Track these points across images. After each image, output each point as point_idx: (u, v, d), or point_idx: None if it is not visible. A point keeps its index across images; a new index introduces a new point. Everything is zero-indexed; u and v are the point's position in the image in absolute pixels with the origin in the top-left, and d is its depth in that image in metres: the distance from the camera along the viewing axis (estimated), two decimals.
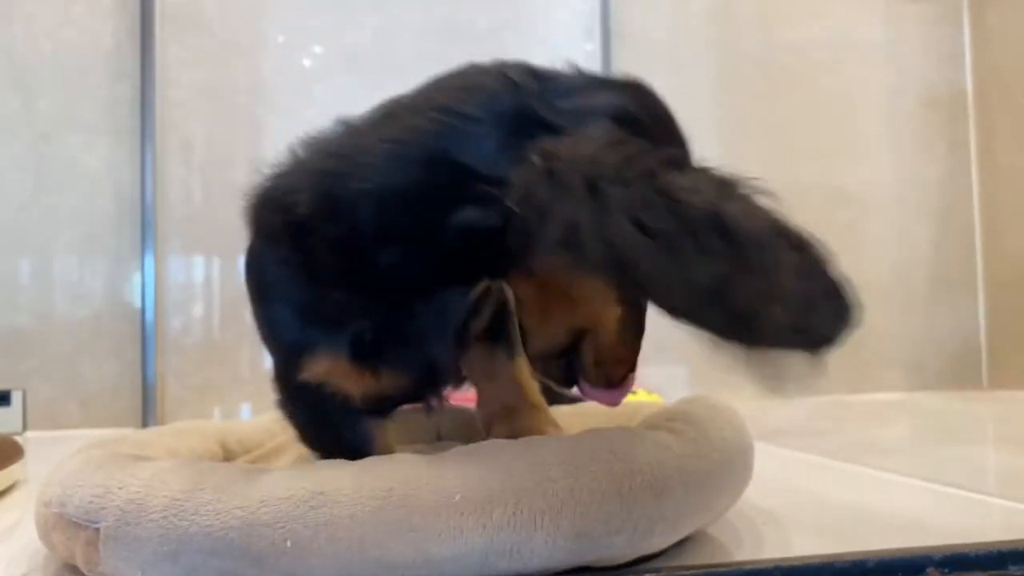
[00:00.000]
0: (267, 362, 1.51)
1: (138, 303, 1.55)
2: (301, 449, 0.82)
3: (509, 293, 0.57)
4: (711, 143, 1.78)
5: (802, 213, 1.62)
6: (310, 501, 0.44)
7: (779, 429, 1.21)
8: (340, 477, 0.47)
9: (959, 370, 1.88)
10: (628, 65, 1.77)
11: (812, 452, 1.04)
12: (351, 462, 0.49)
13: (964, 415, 1.56)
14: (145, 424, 1.53)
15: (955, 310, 1.90)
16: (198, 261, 1.60)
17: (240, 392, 1.58)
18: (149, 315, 1.55)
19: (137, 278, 1.56)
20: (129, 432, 0.75)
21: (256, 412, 1.58)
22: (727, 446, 0.55)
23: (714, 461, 0.53)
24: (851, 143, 1.88)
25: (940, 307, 1.89)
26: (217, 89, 1.61)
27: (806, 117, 1.86)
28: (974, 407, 1.69)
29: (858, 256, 1.86)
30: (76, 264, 1.55)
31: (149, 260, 1.55)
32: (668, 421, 0.56)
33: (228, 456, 0.83)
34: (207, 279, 1.60)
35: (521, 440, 0.51)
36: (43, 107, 1.54)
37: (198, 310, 1.59)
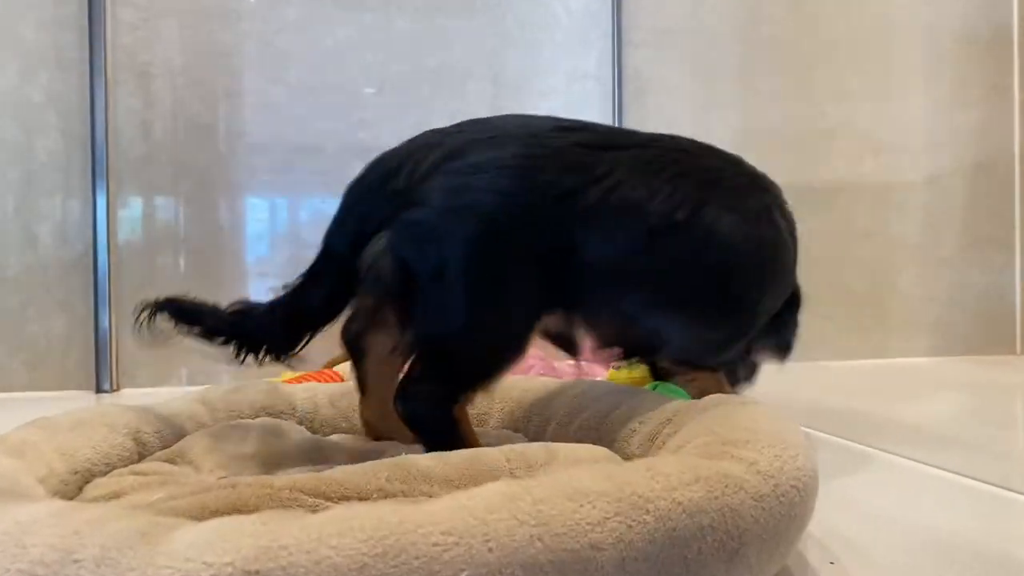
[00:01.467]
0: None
1: (89, 251, 1.38)
2: (218, 455, 0.67)
3: None
4: (730, 83, 1.61)
5: (825, 160, 1.45)
6: None
7: (811, 409, 1.06)
8: (284, 538, 0.32)
9: (990, 334, 1.74)
10: None
11: (853, 438, 0.90)
12: (290, 521, 0.34)
13: (997, 387, 1.42)
14: (99, 387, 1.38)
15: (988, 269, 1.75)
16: (161, 204, 1.43)
17: (212, 350, 1.43)
18: (102, 264, 1.39)
19: (88, 223, 1.39)
20: (9, 433, 0.59)
21: (231, 374, 1.43)
22: (804, 478, 0.40)
23: (793, 503, 0.38)
24: (881, 84, 1.70)
25: (972, 266, 1.74)
26: (177, 8, 1.42)
27: (833, 55, 1.69)
28: (1007, 375, 1.55)
29: (884, 208, 1.72)
30: (17, 207, 1.37)
31: (101, 202, 1.38)
32: (727, 446, 0.41)
33: (143, 453, 0.68)
34: (170, 224, 1.44)
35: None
36: None
37: (160, 259, 1.43)
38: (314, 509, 0.49)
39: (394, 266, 0.66)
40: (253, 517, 0.33)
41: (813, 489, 0.41)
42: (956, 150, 1.73)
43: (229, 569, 0.30)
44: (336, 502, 0.50)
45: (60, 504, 0.37)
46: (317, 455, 0.72)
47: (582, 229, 0.64)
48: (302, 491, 0.50)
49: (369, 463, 0.56)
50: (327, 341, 1.41)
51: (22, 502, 0.37)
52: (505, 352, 0.67)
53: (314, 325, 0.78)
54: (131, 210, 1.42)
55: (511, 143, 0.67)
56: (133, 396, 1.35)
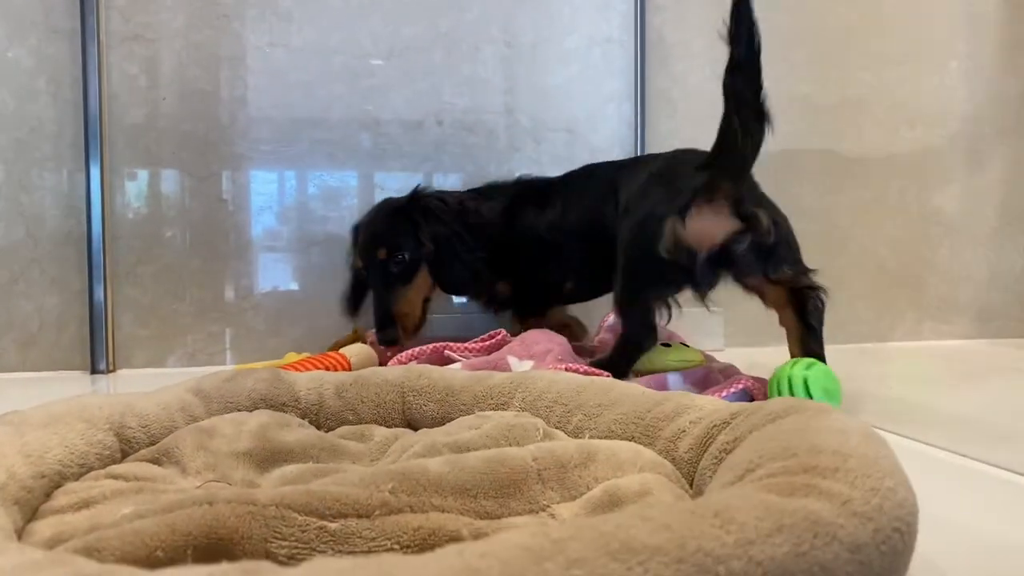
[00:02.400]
0: (243, 293, 1.28)
1: (83, 223, 1.31)
2: (208, 454, 0.60)
3: None
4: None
5: (857, 130, 1.36)
6: None
7: (852, 396, 0.99)
8: None
9: None
10: None
11: (903, 432, 0.83)
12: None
13: None
14: (94, 368, 1.31)
15: None
16: (159, 174, 1.36)
17: (211, 329, 1.36)
18: (96, 237, 1.31)
19: (81, 194, 1.32)
20: None
21: (235, 353, 1.37)
22: (906, 516, 0.33)
23: (896, 551, 0.31)
24: (919, 49, 1.61)
25: (1011, 243, 1.65)
26: None
27: (867, 18, 1.59)
28: None
29: (921, 182, 1.62)
30: (6, 177, 1.30)
31: (95, 172, 1.31)
32: (811, 474, 0.33)
33: (128, 450, 0.61)
34: (169, 195, 1.36)
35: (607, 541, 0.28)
36: None
37: (158, 232, 1.36)
38: (304, 530, 0.42)
39: None
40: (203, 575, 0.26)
41: (916, 530, 0.33)
42: (997, 119, 1.63)
43: None
44: (331, 520, 0.43)
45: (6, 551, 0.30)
46: (320, 454, 0.65)
47: None
48: (291, 508, 0.42)
49: (372, 470, 0.49)
50: (332, 321, 1.35)
51: None
52: None
53: None
54: (127, 181, 1.35)
55: None
56: (130, 377, 1.29)
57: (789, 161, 1.56)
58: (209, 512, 0.41)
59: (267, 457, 0.62)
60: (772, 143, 1.54)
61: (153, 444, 0.64)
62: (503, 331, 1.16)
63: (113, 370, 1.33)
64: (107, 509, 0.49)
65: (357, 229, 1.29)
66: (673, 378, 1.07)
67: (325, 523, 0.43)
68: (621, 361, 1.04)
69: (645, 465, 0.52)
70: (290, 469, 0.61)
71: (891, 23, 1.60)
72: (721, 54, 1.53)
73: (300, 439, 0.65)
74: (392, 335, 1.17)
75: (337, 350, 1.07)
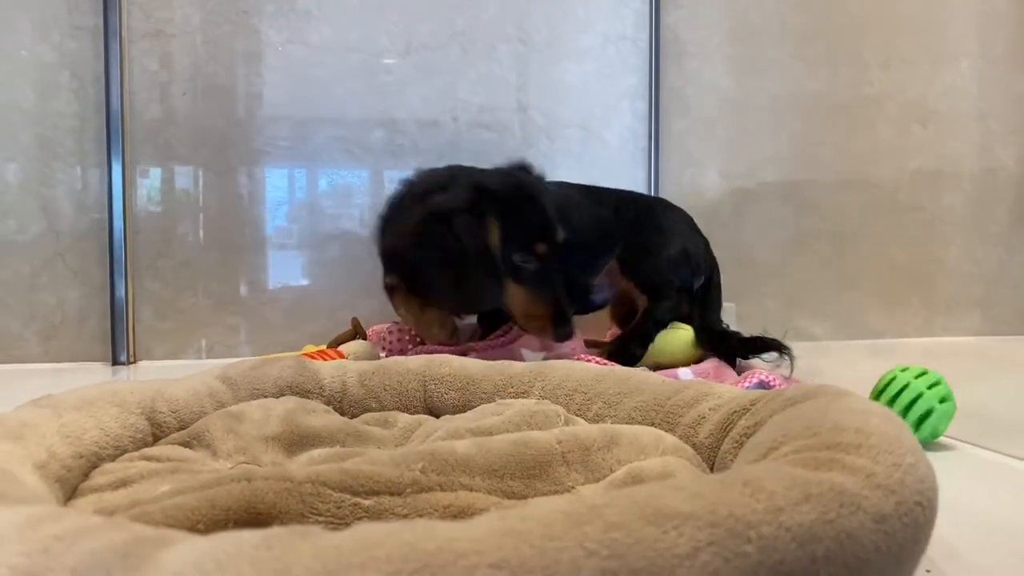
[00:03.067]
0: (260, 287, 1.29)
1: (104, 217, 1.33)
2: (237, 437, 0.62)
3: None
4: (772, 47, 1.53)
5: (871, 129, 1.36)
6: None
7: (862, 391, 0.99)
8: (293, 567, 0.26)
9: None
10: None
11: None
12: (300, 543, 0.28)
13: None
14: (115, 359, 1.33)
15: None
16: (178, 169, 1.37)
17: (228, 322, 1.38)
18: (117, 231, 1.33)
19: (103, 189, 1.33)
20: (10, 413, 0.54)
21: (252, 346, 1.39)
22: (927, 491, 0.34)
23: (918, 523, 0.32)
24: (932, 48, 1.61)
25: (1022, 241, 1.66)
26: None
27: (881, 17, 1.60)
28: None
29: (933, 178, 1.63)
30: (29, 172, 1.32)
31: (116, 167, 1.33)
32: (835, 450, 0.34)
33: (159, 434, 0.63)
34: (187, 190, 1.38)
35: (636, 496, 0.29)
36: None
37: (177, 226, 1.38)
38: (339, 506, 0.44)
39: None
40: (257, 537, 0.27)
41: (936, 505, 0.34)
42: (1010, 119, 1.64)
43: None
44: (365, 497, 0.45)
45: (35, 511, 0.31)
46: (345, 438, 0.66)
47: None
48: (326, 485, 0.44)
49: (401, 451, 0.50)
50: (347, 315, 1.36)
51: None
52: None
53: None
54: (147, 176, 1.37)
55: None
56: (150, 368, 1.31)
57: (803, 160, 1.57)
58: (248, 488, 0.43)
59: (295, 441, 0.64)
60: (787, 142, 1.56)
61: (183, 428, 0.66)
62: (514, 326, 1.18)
63: (134, 361, 1.35)
64: (144, 488, 0.51)
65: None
66: (684, 372, 1.08)
67: (359, 500, 0.44)
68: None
69: (667, 449, 0.53)
70: (318, 453, 0.62)
71: (904, 22, 1.61)
72: (735, 52, 1.55)
73: (326, 424, 0.66)
74: (570, 329, 1.08)
75: (337, 346, 1.08)
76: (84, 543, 0.28)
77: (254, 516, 0.42)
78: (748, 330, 1.55)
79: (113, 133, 1.33)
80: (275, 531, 0.28)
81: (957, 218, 1.63)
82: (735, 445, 0.52)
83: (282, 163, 1.41)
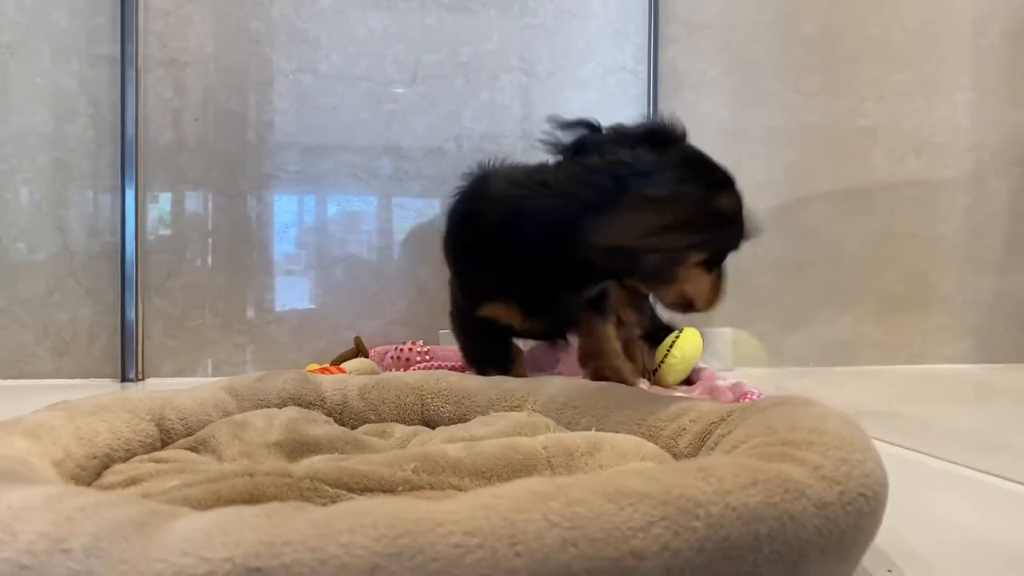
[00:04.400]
0: (266, 307, 1.33)
1: (117, 239, 1.38)
2: (242, 443, 0.65)
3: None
4: (768, 79, 1.57)
5: (866, 159, 1.40)
6: None
7: (853, 413, 1.02)
8: (289, 533, 0.29)
9: None
10: None
11: (899, 442, 0.86)
12: (295, 514, 0.31)
13: None
14: (124, 376, 1.37)
15: None
16: (189, 194, 1.42)
17: (235, 341, 1.42)
18: (129, 252, 1.38)
19: (116, 211, 1.38)
20: (28, 415, 0.57)
21: (258, 365, 1.42)
22: (873, 485, 0.37)
23: (861, 512, 0.35)
24: (926, 80, 1.65)
25: (1016, 270, 1.69)
26: None
27: (875, 51, 1.64)
28: None
29: (926, 209, 1.66)
30: (45, 194, 1.37)
31: (130, 191, 1.38)
32: (788, 446, 0.37)
33: (167, 440, 0.66)
34: (198, 214, 1.42)
35: (592, 480, 0.33)
36: (7, 11, 1.35)
37: (187, 249, 1.42)
38: (335, 500, 0.47)
39: None
40: (257, 509, 0.30)
41: (883, 498, 0.37)
42: (1002, 149, 1.67)
43: (227, 566, 0.27)
44: (359, 494, 0.48)
45: (58, 489, 0.35)
46: (344, 447, 0.69)
47: None
48: (323, 481, 0.47)
49: (395, 452, 0.53)
50: (351, 335, 1.39)
51: (21, 485, 0.35)
52: None
53: None
54: (160, 199, 1.41)
55: None
56: (158, 386, 1.34)
57: (799, 188, 1.61)
58: (250, 482, 0.46)
59: (296, 448, 0.67)
60: (783, 171, 1.60)
61: (190, 435, 0.69)
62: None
63: (142, 379, 1.38)
64: (154, 485, 0.54)
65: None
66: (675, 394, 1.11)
67: (354, 495, 0.47)
68: None
69: (647, 455, 0.56)
70: (317, 459, 0.65)
71: (899, 56, 1.65)
72: (732, 84, 1.59)
73: (326, 433, 0.69)
74: None
75: (339, 363, 1.11)
76: (104, 513, 0.31)
77: None
78: (744, 356, 1.58)
79: (127, 157, 1.37)
80: (274, 505, 0.31)
81: (951, 247, 1.66)
82: (710, 451, 0.55)
83: (290, 187, 1.45)
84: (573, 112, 1.54)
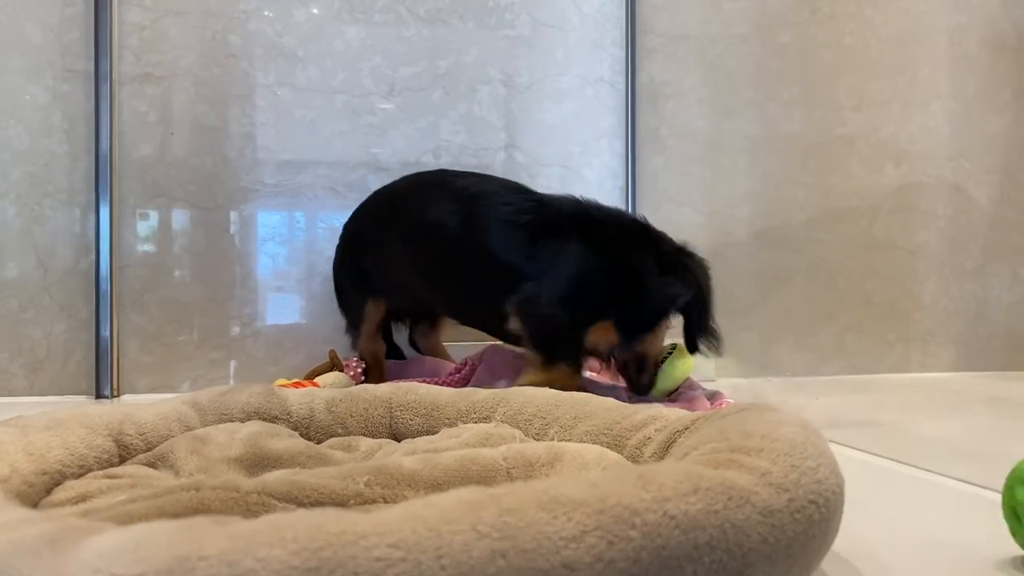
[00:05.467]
0: (244, 322, 1.32)
1: (91, 255, 1.36)
2: (200, 458, 0.63)
3: None
4: (746, 90, 1.57)
5: (845, 169, 1.41)
6: None
7: (831, 422, 1.02)
8: (206, 547, 0.28)
9: (1015, 349, 1.68)
10: None
11: (875, 451, 0.86)
12: (216, 528, 0.30)
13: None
14: (99, 393, 1.35)
15: (1014, 282, 1.70)
16: (166, 208, 1.41)
17: (212, 356, 1.40)
18: (104, 268, 1.36)
19: (91, 226, 1.36)
20: None
21: (235, 380, 1.41)
22: (825, 492, 0.36)
23: (811, 520, 0.34)
24: (903, 90, 1.66)
25: (997, 278, 1.69)
26: (185, 9, 1.40)
27: (853, 60, 1.65)
28: None
29: (906, 218, 1.66)
30: (19, 209, 1.35)
31: (104, 206, 1.36)
32: (737, 453, 0.36)
33: (125, 455, 0.65)
34: (175, 228, 1.41)
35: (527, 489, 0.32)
36: None
37: (163, 264, 1.40)
38: None
39: None
40: (180, 523, 0.29)
41: (837, 506, 0.36)
42: (981, 158, 1.68)
43: None
44: (309, 508, 0.47)
45: None
46: (307, 461, 0.68)
47: None
48: (271, 495, 0.46)
49: (349, 465, 0.52)
50: (316, 353, 1.38)
51: None
52: None
53: None
54: (135, 213, 1.40)
55: None
56: (133, 402, 1.32)
57: (779, 198, 1.61)
58: (195, 497, 0.45)
59: (256, 463, 0.66)
60: (762, 181, 1.60)
61: (150, 450, 0.68)
62: (470, 361, 1.20)
63: (118, 395, 1.37)
64: (103, 501, 0.53)
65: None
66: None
67: (303, 510, 0.46)
68: None
69: (609, 465, 0.55)
70: (277, 473, 0.64)
71: (876, 65, 1.65)
72: (710, 95, 1.59)
73: (288, 447, 0.68)
74: None
75: (313, 377, 1.10)
76: (21, 530, 0.30)
77: None
78: (727, 367, 1.57)
79: (102, 172, 1.36)
80: (197, 519, 0.30)
81: (932, 255, 1.66)
82: (672, 457, 0.54)
83: (268, 201, 1.44)
84: (552, 124, 1.55)
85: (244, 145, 1.43)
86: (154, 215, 1.40)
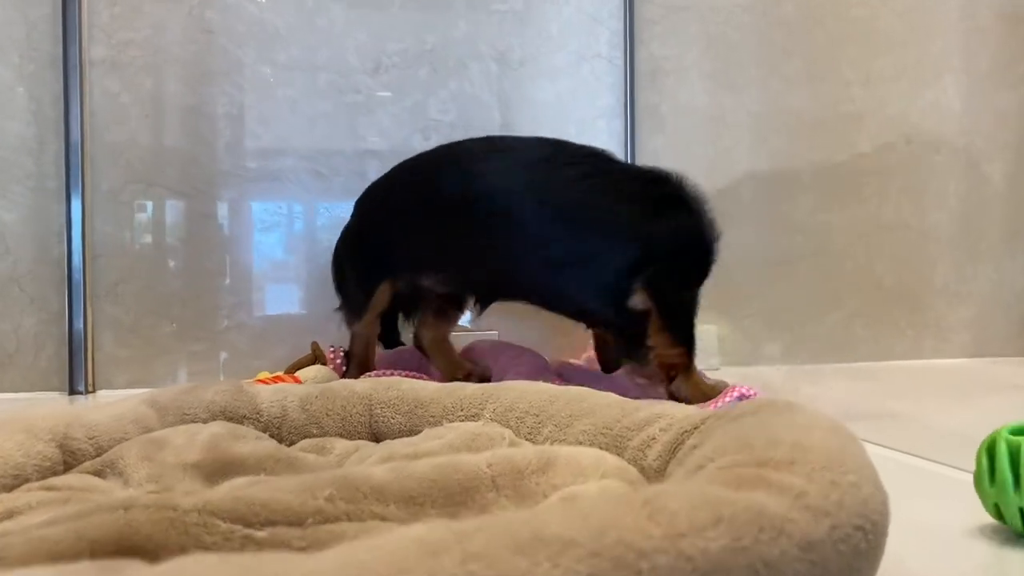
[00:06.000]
0: (227, 312, 1.25)
1: (63, 243, 1.29)
2: (153, 465, 0.57)
3: None
4: (750, 64, 1.50)
5: (853, 147, 1.33)
6: None
7: (844, 414, 0.95)
8: None
9: None
10: None
11: (898, 447, 0.79)
12: None
13: None
14: (72, 388, 1.29)
15: None
16: (141, 193, 1.33)
17: (192, 349, 1.34)
18: (76, 256, 1.29)
19: (61, 212, 1.29)
20: None
21: (217, 374, 1.34)
22: (872, 515, 0.29)
23: (858, 551, 0.27)
24: (914, 64, 1.59)
25: (1012, 259, 1.62)
26: None
27: (861, 33, 1.57)
28: None
29: (918, 198, 1.59)
30: None
31: (76, 191, 1.29)
32: (764, 467, 0.30)
33: (71, 462, 0.58)
34: (151, 214, 1.34)
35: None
36: None
37: (140, 251, 1.33)
38: (229, 538, 0.39)
39: None
40: (90, 570, 0.23)
41: (883, 530, 0.29)
42: (996, 135, 1.61)
43: None
44: (259, 528, 0.40)
45: None
46: (274, 466, 0.62)
47: None
48: (215, 515, 0.39)
49: (312, 476, 0.45)
50: (301, 344, 1.31)
51: None
52: None
53: None
54: (108, 199, 1.33)
55: None
56: (109, 398, 1.25)
57: (783, 178, 1.54)
58: (122, 518, 0.38)
59: (217, 469, 0.59)
60: (764, 160, 1.53)
61: (100, 456, 0.61)
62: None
63: (92, 391, 1.30)
64: (31, 519, 0.46)
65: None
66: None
67: (252, 531, 0.39)
68: None
69: (608, 471, 0.48)
70: (239, 481, 0.57)
71: (884, 38, 1.58)
72: (712, 69, 1.52)
73: (254, 451, 0.62)
74: None
75: (295, 371, 1.04)
76: None
77: (128, 550, 0.38)
78: (730, 354, 1.51)
79: (73, 156, 1.29)
80: (79, 566, 0.23)
81: (944, 236, 1.59)
82: (680, 467, 0.47)
83: (249, 185, 1.37)
84: (546, 102, 1.47)
85: (222, 126, 1.36)
86: (128, 201, 1.33)
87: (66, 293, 1.29)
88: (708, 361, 1.45)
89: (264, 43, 1.37)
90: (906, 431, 0.90)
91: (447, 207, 1.08)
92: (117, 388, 1.31)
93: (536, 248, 1.04)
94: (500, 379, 1.04)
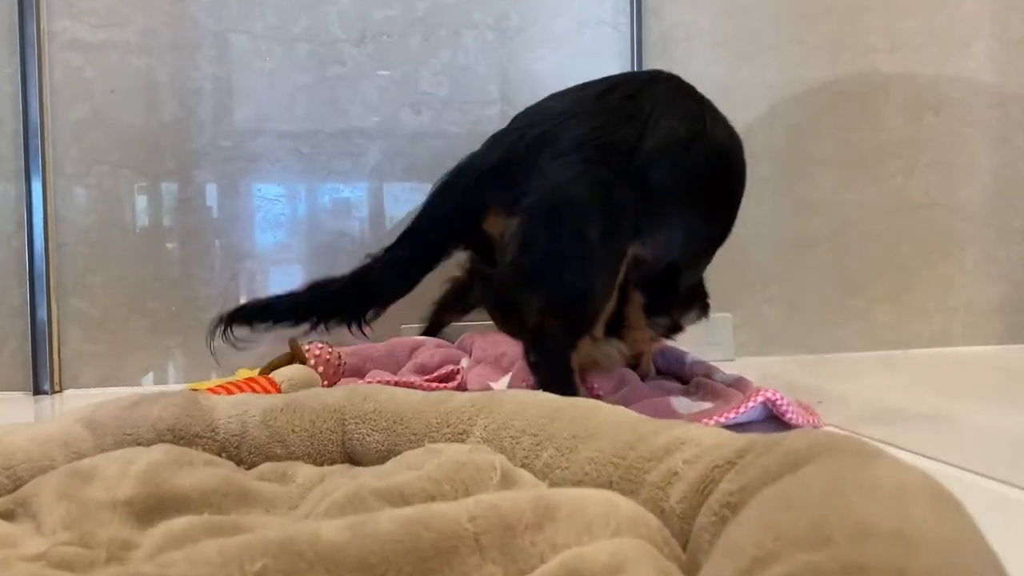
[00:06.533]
0: (201, 304, 1.15)
1: (23, 231, 1.19)
2: (73, 504, 0.47)
3: None
4: (768, 31, 1.38)
5: (878, 118, 1.18)
6: None
7: (871, 412, 0.85)
8: None
9: None
10: None
11: (927, 454, 0.69)
12: None
13: None
14: (37, 388, 1.19)
15: None
16: (105, 176, 1.23)
17: (166, 343, 1.24)
18: (38, 245, 1.20)
19: (22, 197, 1.20)
20: None
21: (192, 371, 1.24)
22: None
23: None
24: (943, 30, 1.47)
25: None
26: None
27: None
28: None
29: (946, 172, 1.48)
30: None
31: (37, 174, 1.19)
32: (852, 573, 0.20)
33: None
34: (119, 198, 1.24)
35: None
36: None
37: (107, 238, 1.23)
38: None
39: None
40: None
41: None
42: None
43: None
44: None
45: None
46: (223, 501, 0.52)
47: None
48: None
49: (244, 540, 0.35)
50: (296, 335, 1.21)
51: None
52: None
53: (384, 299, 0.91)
54: (72, 182, 1.22)
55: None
56: (77, 397, 1.17)
57: (803, 154, 1.43)
58: None
59: (153, 507, 0.49)
60: (782, 133, 1.42)
61: (18, 489, 0.51)
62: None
63: (59, 390, 1.21)
64: None
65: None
66: (677, 401, 0.93)
67: None
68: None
69: (621, 524, 0.38)
70: (179, 523, 0.48)
71: (912, 1, 1.47)
72: (725, 36, 1.41)
73: (200, 481, 0.52)
74: None
75: (271, 371, 0.94)
76: None
77: None
78: (747, 344, 1.41)
79: (31, 136, 1.19)
80: None
81: (975, 214, 1.49)
82: (715, 519, 0.37)
83: (223, 165, 1.27)
84: (546, 72, 1.36)
85: (194, 102, 1.25)
86: (94, 184, 1.23)
87: (28, 285, 1.20)
88: (722, 352, 1.35)
89: (238, 11, 1.26)
90: (951, 436, 0.81)
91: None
92: (86, 386, 1.22)
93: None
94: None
